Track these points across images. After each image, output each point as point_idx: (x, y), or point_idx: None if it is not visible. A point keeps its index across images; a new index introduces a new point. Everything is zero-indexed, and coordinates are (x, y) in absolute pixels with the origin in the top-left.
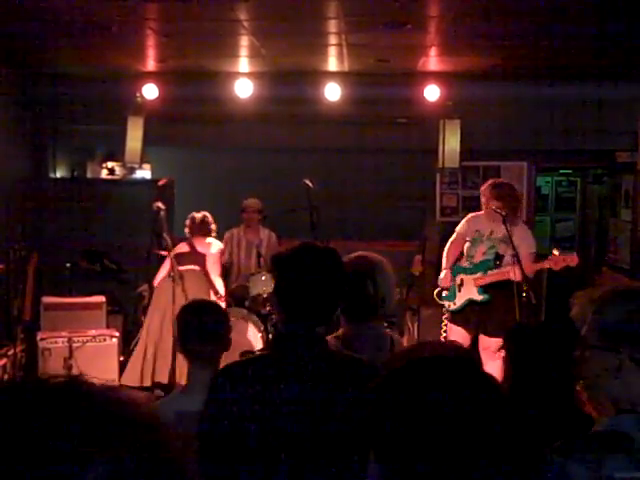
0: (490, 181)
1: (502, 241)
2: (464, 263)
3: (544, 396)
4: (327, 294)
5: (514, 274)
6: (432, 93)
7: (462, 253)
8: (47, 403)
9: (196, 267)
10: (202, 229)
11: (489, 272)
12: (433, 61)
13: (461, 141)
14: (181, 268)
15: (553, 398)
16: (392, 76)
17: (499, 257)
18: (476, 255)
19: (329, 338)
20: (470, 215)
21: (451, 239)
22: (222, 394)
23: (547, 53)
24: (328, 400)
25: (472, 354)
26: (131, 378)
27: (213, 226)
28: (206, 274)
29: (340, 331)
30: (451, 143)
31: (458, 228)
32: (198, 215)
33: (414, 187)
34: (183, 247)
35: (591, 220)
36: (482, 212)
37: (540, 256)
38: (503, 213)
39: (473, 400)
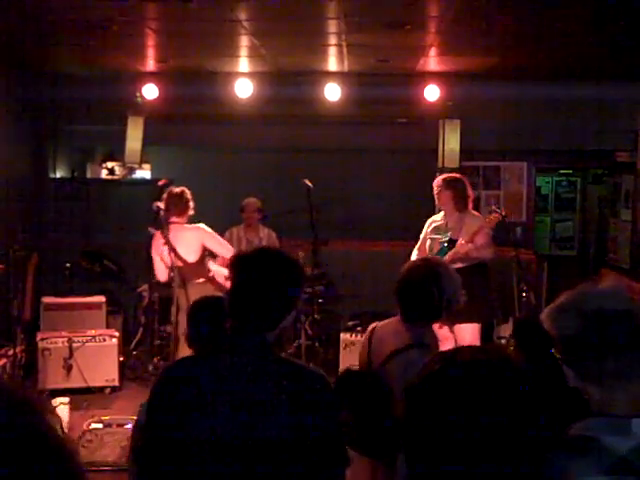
0: (442, 175)
1: (454, 228)
2: None
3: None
4: (275, 301)
5: (461, 247)
6: (432, 93)
7: None
8: None
9: (200, 280)
10: (178, 204)
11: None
12: (433, 61)
13: (461, 141)
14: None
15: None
16: (392, 76)
17: (453, 241)
18: (434, 247)
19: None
20: (431, 218)
21: (417, 245)
22: (162, 389)
23: (547, 53)
24: (264, 404)
25: (510, 357)
26: None
27: (191, 203)
28: (213, 282)
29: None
30: (451, 143)
31: (423, 231)
32: (176, 189)
33: (414, 187)
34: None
35: (591, 220)
36: (441, 213)
37: (541, 255)
38: (503, 213)
39: (508, 404)
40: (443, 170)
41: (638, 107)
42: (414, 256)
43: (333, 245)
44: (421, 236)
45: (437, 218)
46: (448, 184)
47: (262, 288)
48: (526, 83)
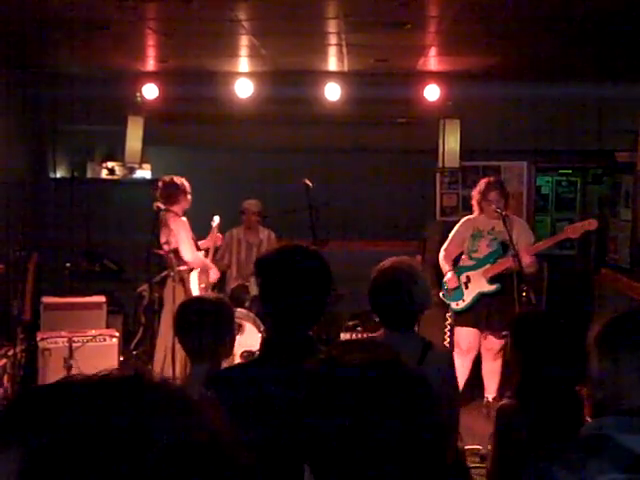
0: (481, 181)
1: (503, 231)
2: (467, 262)
3: (552, 385)
4: (313, 295)
5: (518, 263)
6: (432, 93)
7: (462, 253)
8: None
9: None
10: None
11: (498, 261)
12: (433, 61)
13: (461, 141)
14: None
15: (561, 387)
16: (392, 76)
17: (506, 246)
18: (480, 250)
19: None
20: (466, 217)
21: (448, 242)
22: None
23: (547, 53)
24: None
25: (395, 354)
26: None
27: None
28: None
29: (377, 334)
30: (451, 143)
31: (455, 230)
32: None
33: (414, 187)
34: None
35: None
36: (477, 214)
37: (541, 255)
38: (503, 213)
39: (402, 405)
40: (443, 170)
41: (638, 107)
42: (442, 256)
43: (333, 245)
44: (454, 231)
45: (474, 217)
46: (495, 183)
47: (299, 286)
48: (526, 83)
